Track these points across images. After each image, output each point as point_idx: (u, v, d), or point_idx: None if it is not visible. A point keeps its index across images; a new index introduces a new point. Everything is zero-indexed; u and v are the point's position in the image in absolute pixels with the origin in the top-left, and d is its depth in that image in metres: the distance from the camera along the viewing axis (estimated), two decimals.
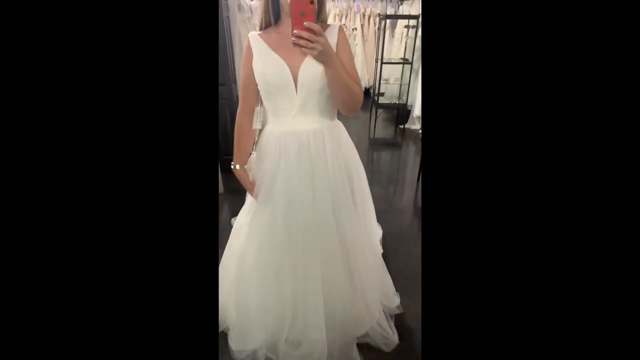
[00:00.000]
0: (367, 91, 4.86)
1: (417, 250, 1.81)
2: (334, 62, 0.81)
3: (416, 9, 4.12)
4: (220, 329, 1.25)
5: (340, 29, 0.94)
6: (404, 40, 4.08)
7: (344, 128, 1.09)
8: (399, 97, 4.09)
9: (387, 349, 1.20)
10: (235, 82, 2.46)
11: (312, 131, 0.97)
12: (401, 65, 3.91)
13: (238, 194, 1.21)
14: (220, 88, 2.39)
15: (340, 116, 1.05)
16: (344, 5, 5.07)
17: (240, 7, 2.48)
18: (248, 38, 0.96)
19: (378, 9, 5.02)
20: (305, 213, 0.99)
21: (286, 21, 0.91)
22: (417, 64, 3.84)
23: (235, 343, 1.15)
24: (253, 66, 0.94)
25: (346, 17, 5.05)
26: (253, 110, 1.04)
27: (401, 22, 4.23)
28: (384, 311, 1.26)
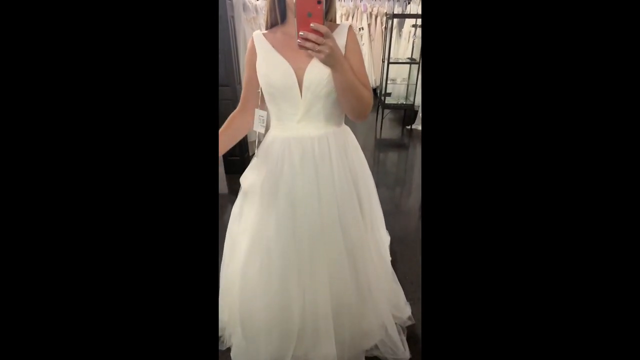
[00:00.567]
0: (373, 91, 4.81)
1: None
2: (343, 66, 0.76)
3: None
4: (226, 346, 1.21)
5: (350, 29, 0.88)
6: (411, 40, 4.03)
7: (351, 133, 1.03)
8: (406, 98, 4.05)
9: None
10: (239, 82, 2.43)
11: (317, 138, 0.92)
12: (408, 65, 3.86)
13: None
14: (224, 89, 2.37)
15: (346, 118, 1.00)
16: (351, 4, 5.04)
17: (245, 7, 2.46)
18: (252, 37, 0.91)
19: (385, 8, 4.96)
20: (311, 222, 0.94)
21: (292, 20, 0.86)
22: None
23: (238, 359, 1.11)
24: (257, 67, 0.89)
25: (353, 17, 5.01)
26: (250, 111, 0.99)
27: (408, 22, 4.18)
28: (395, 323, 1.20)
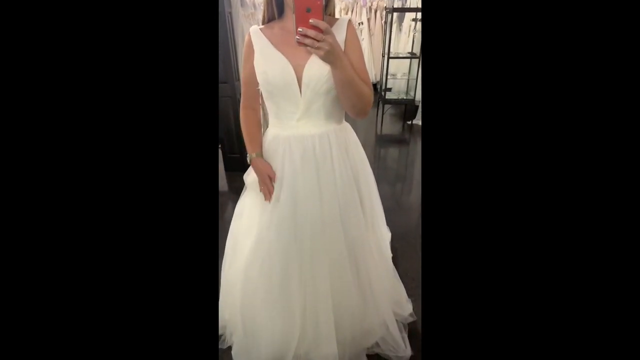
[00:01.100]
0: (374, 86, 4.78)
1: None
2: (343, 62, 0.74)
3: None
4: (227, 344, 1.20)
5: (350, 24, 0.86)
6: (412, 34, 4.00)
7: (352, 130, 1.02)
8: (407, 93, 4.02)
9: None
10: (238, 79, 2.42)
11: (317, 136, 0.90)
12: (409, 59, 3.83)
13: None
14: (223, 85, 2.36)
15: (346, 114, 0.99)
16: None
17: (243, 3, 2.43)
18: (249, 33, 0.89)
19: (385, 2, 4.92)
20: (312, 221, 0.93)
21: (290, 15, 0.84)
22: None
23: (239, 357, 1.10)
24: (254, 65, 0.87)
25: (352, 11, 4.97)
26: (256, 108, 0.98)
27: (408, 16, 4.15)
28: (396, 320, 1.20)
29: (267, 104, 0.92)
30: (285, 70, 0.82)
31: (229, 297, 1.11)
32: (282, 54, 0.83)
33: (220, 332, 1.22)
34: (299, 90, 0.84)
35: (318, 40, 0.67)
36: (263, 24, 0.91)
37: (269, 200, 0.95)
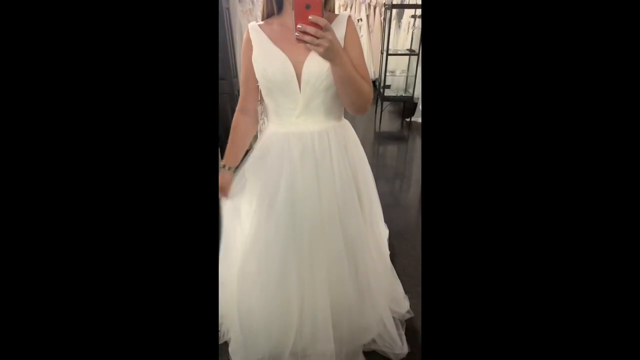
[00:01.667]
0: (372, 83, 4.76)
1: None
2: (342, 59, 0.73)
3: None
4: (223, 340, 1.20)
5: (349, 20, 0.85)
6: (411, 31, 3.98)
7: (351, 128, 1.02)
8: (405, 90, 4.01)
9: (395, 358, 1.15)
10: (236, 76, 2.41)
11: (316, 133, 0.90)
12: (407, 56, 3.82)
13: None
14: (221, 82, 2.35)
15: (345, 111, 0.98)
16: None
17: None
18: (247, 29, 0.89)
19: None
20: (311, 218, 0.93)
21: (290, 11, 0.83)
22: None
23: (236, 354, 1.11)
24: (253, 61, 0.86)
25: (351, 8, 4.94)
26: (252, 109, 0.97)
27: (408, 12, 4.13)
28: (393, 317, 1.20)
29: (266, 100, 0.92)
30: (285, 66, 0.82)
31: (223, 293, 1.11)
32: (282, 50, 0.83)
33: None
34: (298, 86, 0.83)
35: (317, 37, 0.66)
36: (262, 20, 0.90)
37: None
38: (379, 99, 3.91)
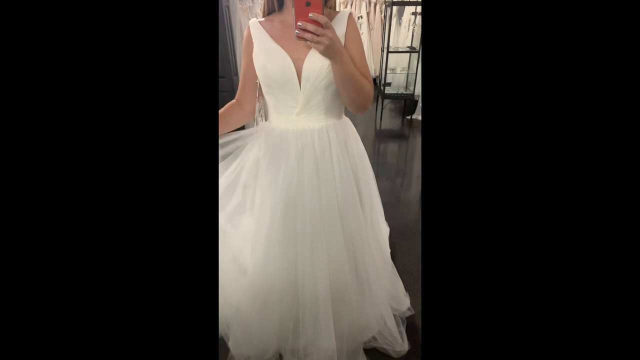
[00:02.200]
0: (373, 81, 4.76)
1: None
2: (343, 57, 0.73)
3: None
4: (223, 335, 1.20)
5: (351, 17, 0.84)
6: (411, 28, 3.97)
7: (351, 125, 1.01)
8: (406, 87, 4.00)
9: (396, 355, 1.15)
10: (236, 74, 2.41)
11: (316, 130, 0.89)
12: (408, 54, 3.81)
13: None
14: (221, 80, 2.34)
15: (346, 108, 0.97)
16: None
17: None
18: (248, 26, 0.88)
19: None
20: (311, 216, 0.92)
21: (291, 8, 0.83)
22: None
23: (236, 350, 1.10)
24: (253, 58, 0.86)
25: (351, 5, 4.93)
26: (246, 104, 0.97)
27: (408, 9, 4.12)
28: (394, 315, 1.20)
29: (267, 97, 0.91)
30: (285, 64, 0.81)
31: (225, 291, 1.11)
32: (282, 47, 0.82)
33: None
34: (298, 84, 0.83)
35: (317, 35, 0.66)
36: (263, 16, 0.89)
37: None
38: (379, 97, 3.90)
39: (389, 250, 1.36)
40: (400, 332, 1.18)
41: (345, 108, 0.94)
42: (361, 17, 4.94)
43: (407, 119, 3.93)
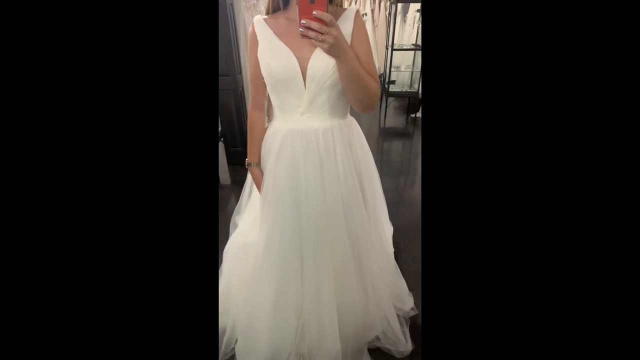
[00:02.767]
0: None
1: None
2: (348, 56, 0.71)
3: None
4: (227, 337, 1.19)
5: (357, 14, 0.82)
6: (416, 25, 3.93)
7: (356, 125, 1.00)
8: (411, 85, 3.98)
9: (399, 355, 1.15)
10: (240, 72, 2.40)
11: (321, 130, 0.87)
12: (413, 51, 3.78)
13: None
14: (225, 79, 2.34)
15: (351, 107, 0.96)
16: None
17: None
18: (252, 23, 0.87)
19: None
20: (316, 217, 0.92)
21: (295, 5, 0.81)
22: None
23: (241, 354, 1.10)
24: (258, 56, 0.85)
25: (356, 2, 4.90)
26: (262, 106, 0.96)
27: (413, 7, 4.08)
28: (397, 314, 1.19)
29: (271, 96, 0.90)
30: (290, 62, 0.80)
31: (229, 294, 1.11)
32: (287, 45, 0.81)
33: (221, 329, 1.21)
34: (303, 83, 0.82)
35: (322, 33, 0.64)
36: (266, 14, 0.88)
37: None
38: (383, 95, 3.88)
39: (392, 250, 1.35)
40: (403, 332, 1.18)
41: (351, 107, 0.93)
42: (365, 14, 4.91)
43: (412, 117, 3.91)
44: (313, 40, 0.66)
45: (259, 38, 0.84)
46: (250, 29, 0.87)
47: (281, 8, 0.85)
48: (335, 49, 0.67)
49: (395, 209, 2.06)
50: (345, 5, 0.91)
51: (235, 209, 1.22)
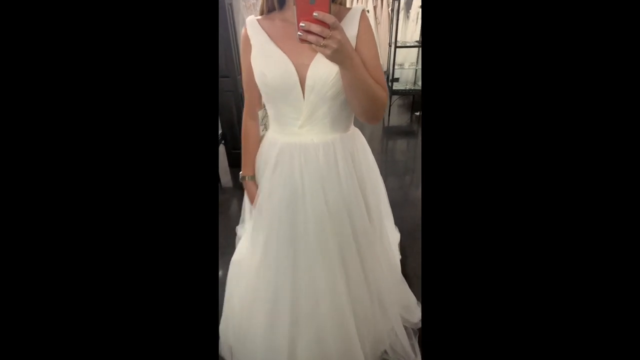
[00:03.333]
0: None
1: None
2: (353, 62, 0.61)
3: None
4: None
5: (363, 15, 0.73)
6: (419, 22, 3.87)
7: (360, 136, 0.91)
8: (415, 83, 3.92)
9: None
10: (240, 73, 2.36)
11: (321, 145, 0.79)
12: (417, 48, 3.72)
13: None
14: (225, 80, 2.30)
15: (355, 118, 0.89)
16: None
17: None
18: (245, 25, 0.78)
19: None
20: (318, 239, 0.85)
21: (292, 5, 0.70)
22: None
23: None
24: (251, 62, 0.77)
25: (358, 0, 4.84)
26: (257, 114, 0.89)
27: (416, 3, 4.02)
28: (405, 327, 1.15)
29: (267, 106, 0.83)
30: (287, 70, 0.71)
31: (230, 311, 1.07)
32: (283, 51, 0.72)
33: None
34: (301, 93, 0.73)
35: (323, 37, 0.55)
36: (260, 14, 0.79)
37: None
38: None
39: (399, 258, 1.31)
40: (412, 345, 1.14)
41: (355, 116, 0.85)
42: (368, 11, 4.84)
43: (416, 115, 3.86)
44: (314, 46, 0.56)
45: (252, 42, 0.76)
46: (242, 31, 0.79)
47: (276, 9, 0.76)
48: (339, 55, 0.58)
49: (401, 210, 2.02)
50: (349, 4, 0.83)
51: (241, 218, 1.18)
